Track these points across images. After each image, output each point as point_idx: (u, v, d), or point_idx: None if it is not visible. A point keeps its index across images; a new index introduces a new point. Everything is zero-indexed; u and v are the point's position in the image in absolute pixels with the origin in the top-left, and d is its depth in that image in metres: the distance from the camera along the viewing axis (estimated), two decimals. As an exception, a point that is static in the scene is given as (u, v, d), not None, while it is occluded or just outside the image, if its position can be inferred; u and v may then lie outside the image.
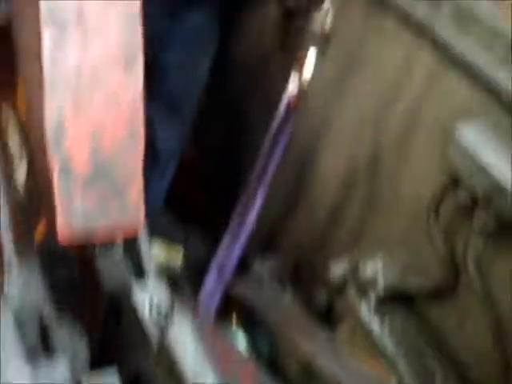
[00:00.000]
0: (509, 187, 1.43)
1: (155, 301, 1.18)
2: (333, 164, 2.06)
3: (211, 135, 2.58)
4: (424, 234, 1.71)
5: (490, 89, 1.55)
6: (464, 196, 1.57)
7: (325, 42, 1.42)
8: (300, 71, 1.44)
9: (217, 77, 2.41)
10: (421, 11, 1.67)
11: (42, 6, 1.09)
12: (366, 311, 1.75)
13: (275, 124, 1.51)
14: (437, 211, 1.68)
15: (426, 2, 1.65)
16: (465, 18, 1.59)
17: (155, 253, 1.89)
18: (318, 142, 2.06)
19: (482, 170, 1.48)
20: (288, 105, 1.47)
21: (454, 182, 1.59)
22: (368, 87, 1.90)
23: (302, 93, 1.45)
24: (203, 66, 2.38)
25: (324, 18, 1.40)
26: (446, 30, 1.63)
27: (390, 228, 1.88)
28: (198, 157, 2.64)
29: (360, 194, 1.98)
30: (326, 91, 1.86)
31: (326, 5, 1.38)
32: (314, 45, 1.41)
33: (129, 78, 1.21)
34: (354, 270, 1.80)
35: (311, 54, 1.41)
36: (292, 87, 1.45)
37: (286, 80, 2.20)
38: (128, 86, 1.21)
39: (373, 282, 1.73)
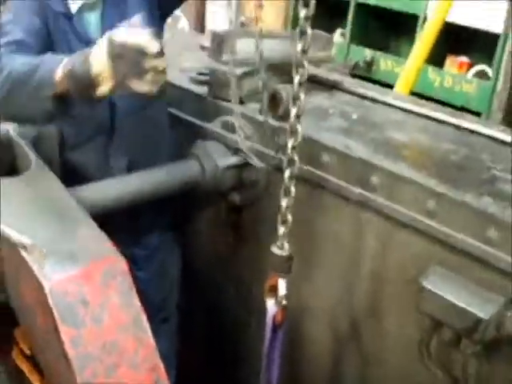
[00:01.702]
0: (486, 317, 1.62)
1: None
2: (318, 335, 2.22)
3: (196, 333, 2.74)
4: (421, 368, 1.88)
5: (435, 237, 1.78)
6: (449, 333, 1.76)
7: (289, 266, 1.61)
8: (275, 293, 1.59)
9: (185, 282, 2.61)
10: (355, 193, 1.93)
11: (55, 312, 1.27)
12: None
13: (267, 342, 1.65)
14: (428, 347, 1.85)
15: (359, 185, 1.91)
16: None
17: None
18: (300, 320, 2.22)
19: (460, 310, 1.66)
20: (274, 323, 1.61)
21: (436, 323, 1.77)
22: (329, 261, 2.11)
23: (284, 308, 1.60)
24: (173, 277, 2.60)
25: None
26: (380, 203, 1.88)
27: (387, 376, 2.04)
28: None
29: (351, 354, 2.13)
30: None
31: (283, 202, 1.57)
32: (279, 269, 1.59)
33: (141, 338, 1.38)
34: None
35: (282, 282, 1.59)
36: (271, 306, 1.61)
37: (249, 271, 2.40)
38: (142, 344, 1.38)
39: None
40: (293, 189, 1.55)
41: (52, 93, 1.70)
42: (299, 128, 1.50)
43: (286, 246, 1.60)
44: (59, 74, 1.70)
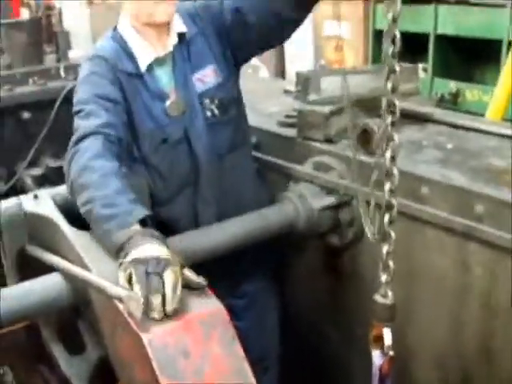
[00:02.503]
0: None
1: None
2: (427, 380, 2.13)
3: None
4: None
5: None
6: None
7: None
8: (380, 343, 1.52)
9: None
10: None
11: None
12: None
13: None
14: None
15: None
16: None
17: None
18: (407, 364, 2.14)
19: None
20: (381, 373, 1.54)
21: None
22: (434, 298, 2.02)
23: (391, 359, 1.52)
24: (272, 325, 2.55)
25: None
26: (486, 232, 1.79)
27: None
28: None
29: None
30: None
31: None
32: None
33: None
34: None
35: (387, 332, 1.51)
36: (377, 356, 1.53)
37: (351, 314, 2.34)
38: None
39: None
40: (393, 234, 1.46)
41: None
42: (395, 170, 1.42)
43: (390, 293, 1.52)
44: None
